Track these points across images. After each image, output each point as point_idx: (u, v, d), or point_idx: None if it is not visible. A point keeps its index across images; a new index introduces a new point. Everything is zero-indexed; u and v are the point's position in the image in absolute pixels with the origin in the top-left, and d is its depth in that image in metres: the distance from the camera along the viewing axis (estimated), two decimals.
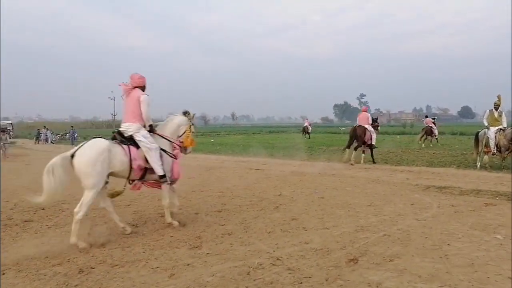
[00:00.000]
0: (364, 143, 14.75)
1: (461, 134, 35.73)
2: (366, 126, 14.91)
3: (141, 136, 5.84)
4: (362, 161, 14.64)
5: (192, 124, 6.73)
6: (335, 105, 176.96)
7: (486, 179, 10.38)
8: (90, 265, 4.55)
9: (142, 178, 5.99)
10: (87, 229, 5.71)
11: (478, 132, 13.24)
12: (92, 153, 5.30)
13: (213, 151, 21.67)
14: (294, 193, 8.96)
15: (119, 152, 5.62)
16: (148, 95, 6.07)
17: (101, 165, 5.32)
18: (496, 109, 12.61)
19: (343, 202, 7.83)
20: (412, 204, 7.51)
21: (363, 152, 14.95)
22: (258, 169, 13.43)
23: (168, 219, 6.28)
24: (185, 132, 6.57)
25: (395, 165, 13.76)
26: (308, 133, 35.43)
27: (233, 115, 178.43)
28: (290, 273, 4.15)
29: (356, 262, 4.41)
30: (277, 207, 7.54)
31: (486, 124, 12.69)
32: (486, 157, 12.68)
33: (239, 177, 11.66)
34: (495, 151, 12.31)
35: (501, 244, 5.03)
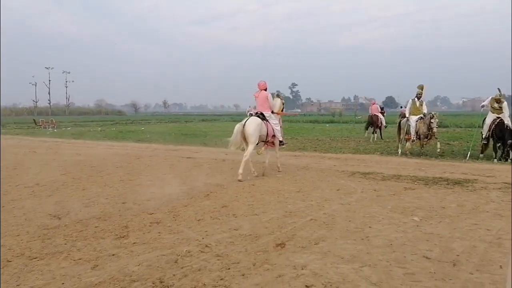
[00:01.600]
0: (377, 126, 19.77)
1: (386, 123, 37.69)
2: (378, 114, 20.13)
3: (271, 117, 9.87)
4: (371, 140, 18.88)
5: (284, 103, 10.89)
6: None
7: (406, 165, 11.05)
8: (7, 258, 4.24)
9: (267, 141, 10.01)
10: (248, 169, 9.63)
11: (400, 121, 14.05)
12: (254, 124, 9.33)
13: (144, 140, 21.08)
14: (225, 180, 8.96)
15: (264, 125, 9.59)
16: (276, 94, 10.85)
17: (259, 131, 9.36)
18: (418, 98, 13.30)
19: (273, 189, 7.96)
20: (338, 190, 7.81)
21: (374, 132, 19.61)
22: (189, 158, 13.27)
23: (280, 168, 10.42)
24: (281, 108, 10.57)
25: (324, 153, 14.24)
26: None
27: (165, 103, 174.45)
28: (218, 260, 4.14)
29: (283, 247, 4.51)
30: (208, 195, 7.50)
31: (408, 113, 13.40)
32: (408, 144, 13.42)
33: (170, 166, 11.45)
34: (414, 138, 13.01)
35: (417, 225, 5.37)
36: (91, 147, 17.48)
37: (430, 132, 12.82)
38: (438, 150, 12.96)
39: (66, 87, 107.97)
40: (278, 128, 10.02)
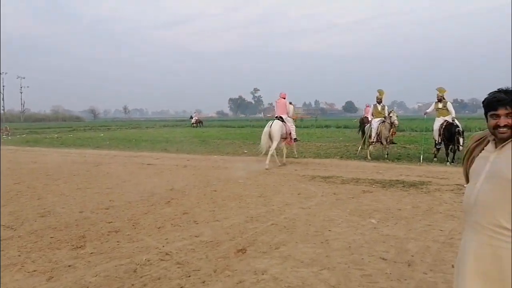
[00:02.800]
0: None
1: (345, 127, 38.56)
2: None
3: (288, 120, 12.50)
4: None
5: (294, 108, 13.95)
6: (230, 99, 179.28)
7: (365, 169, 11.33)
8: None
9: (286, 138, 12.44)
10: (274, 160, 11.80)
11: (364, 126, 14.42)
12: (278, 126, 11.88)
13: (103, 146, 20.55)
14: (186, 187, 8.88)
15: (284, 126, 12.08)
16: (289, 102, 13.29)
17: (281, 131, 11.83)
18: (379, 103, 13.77)
19: (234, 194, 7.96)
20: (299, 194, 7.91)
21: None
22: (150, 164, 13.06)
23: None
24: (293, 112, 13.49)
25: (285, 157, 14.35)
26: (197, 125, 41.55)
27: (125, 108, 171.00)
28: (178, 267, 4.11)
29: (244, 252, 4.52)
30: (169, 201, 7.42)
31: (371, 118, 13.87)
32: (370, 147, 13.79)
33: (130, 173, 11.23)
34: (375, 140, 13.39)
35: (375, 227, 5.53)
36: (47, 155, 16.87)
37: (390, 134, 13.18)
38: (386, 155, 13.45)
39: (21, 92, 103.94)
40: (293, 128, 12.81)
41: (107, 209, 6.88)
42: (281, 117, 12.33)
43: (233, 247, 4.71)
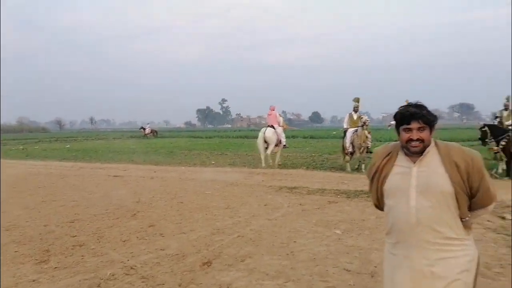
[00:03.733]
0: None
1: (311, 137, 38.98)
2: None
3: (278, 129, 14.04)
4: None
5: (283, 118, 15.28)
6: (198, 110, 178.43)
7: (330, 179, 11.53)
8: None
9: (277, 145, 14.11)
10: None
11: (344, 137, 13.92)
12: (271, 132, 13.78)
13: (69, 158, 20.04)
14: (153, 199, 8.81)
15: (276, 133, 13.72)
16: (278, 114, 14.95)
17: (274, 137, 13.62)
18: (356, 111, 13.50)
19: (201, 206, 7.96)
20: (265, 205, 7.99)
21: None
22: (117, 176, 12.85)
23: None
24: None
25: (253, 168, 14.44)
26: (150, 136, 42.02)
27: (91, 119, 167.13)
28: (143, 282, 4.09)
29: (210, 265, 4.55)
30: (135, 214, 7.34)
31: (346, 126, 13.59)
32: (347, 157, 13.48)
33: (96, 185, 11.02)
34: (350, 150, 13.14)
35: (339, 238, 5.66)
36: (11, 167, 16.30)
37: (364, 144, 12.94)
38: (357, 166, 13.50)
39: None
40: (283, 135, 14.56)
41: (72, 222, 6.75)
42: (272, 126, 14.14)
43: (198, 260, 4.72)
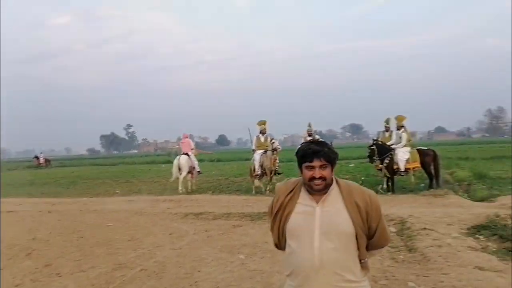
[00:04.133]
0: None
1: (218, 160, 38.94)
2: None
3: (192, 156, 14.69)
4: None
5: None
6: (102, 136, 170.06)
7: (235, 202, 11.54)
8: None
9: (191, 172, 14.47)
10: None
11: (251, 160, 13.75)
12: (185, 159, 14.08)
13: None
14: (50, 235, 8.09)
15: (190, 160, 14.29)
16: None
17: (188, 163, 14.01)
18: (263, 134, 13.52)
19: (103, 240, 7.46)
20: (170, 234, 7.73)
21: None
22: (10, 212, 11.60)
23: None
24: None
25: (158, 195, 13.99)
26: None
27: None
28: None
29: None
30: (30, 253, 6.68)
31: (254, 148, 13.55)
32: (256, 181, 13.28)
33: None
34: (259, 172, 12.98)
35: (243, 263, 5.63)
36: None
37: (273, 166, 12.96)
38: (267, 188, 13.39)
39: None
40: (197, 163, 14.82)
41: None
42: (187, 154, 14.38)
43: None
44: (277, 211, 2.17)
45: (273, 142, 13.30)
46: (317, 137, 13.16)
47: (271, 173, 13.13)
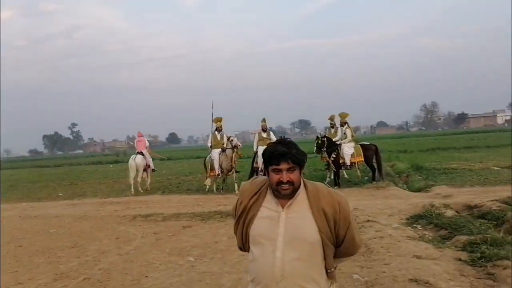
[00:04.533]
0: None
1: (168, 159, 38.22)
2: None
3: (147, 154, 15.02)
4: None
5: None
6: (45, 136, 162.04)
7: (186, 202, 11.45)
8: None
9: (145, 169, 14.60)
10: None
11: (205, 158, 13.60)
12: (140, 158, 14.04)
13: None
14: None
15: (145, 159, 14.44)
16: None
17: (143, 163, 14.12)
18: (219, 131, 13.16)
19: (43, 248, 7.14)
20: (117, 238, 7.53)
21: None
22: None
23: None
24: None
25: (105, 197, 13.58)
26: None
27: None
28: None
29: None
30: None
31: (210, 145, 13.22)
32: (208, 180, 12.98)
33: None
34: (219, 172, 12.72)
35: (192, 265, 5.59)
36: None
37: (233, 162, 12.83)
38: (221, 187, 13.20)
39: None
40: (151, 160, 14.99)
41: None
42: (141, 152, 14.47)
43: None
44: (240, 214, 2.04)
45: (232, 140, 13.09)
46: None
47: (230, 171, 12.99)
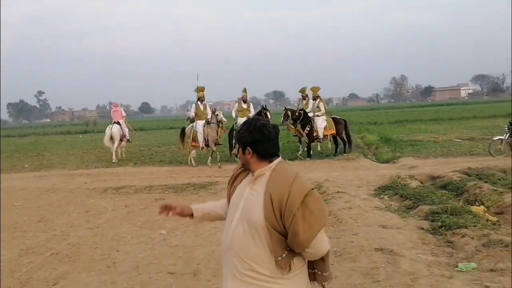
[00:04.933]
0: None
1: (141, 129, 37.55)
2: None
3: (123, 124, 15.18)
4: None
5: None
6: (10, 104, 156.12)
7: (159, 174, 11.37)
8: None
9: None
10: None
11: (184, 127, 13.26)
12: (117, 128, 14.36)
13: None
14: None
15: (121, 130, 14.76)
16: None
17: (120, 133, 14.46)
18: (202, 101, 12.63)
19: (8, 222, 6.94)
20: (86, 212, 7.45)
21: None
22: None
23: None
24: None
25: (74, 169, 13.33)
26: None
27: None
28: None
29: None
30: None
31: (192, 116, 12.87)
32: (193, 151, 12.71)
33: None
34: (203, 145, 12.35)
35: (164, 239, 5.60)
36: None
37: (218, 136, 12.43)
38: (217, 163, 12.40)
39: None
40: (127, 130, 15.18)
41: None
42: (118, 122, 14.76)
43: None
44: (230, 180, 2.13)
45: (217, 114, 12.53)
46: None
47: (215, 145, 12.52)
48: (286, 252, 1.91)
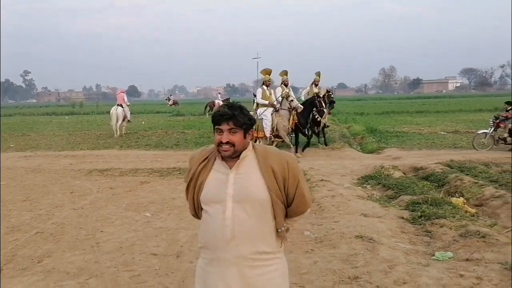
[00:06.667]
0: None
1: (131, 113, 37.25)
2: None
3: (126, 107, 17.42)
4: None
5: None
6: None
7: (144, 158, 11.37)
8: None
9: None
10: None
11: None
12: (120, 109, 16.73)
13: None
14: None
15: (123, 111, 16.93)
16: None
17: (122, 114, 16.83)
18: (268, 86, 11.38)
19: None
20: (71, 192, 7.46)
21: None
22: None
23: None
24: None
25: (59, 150, 13.25)
26: None
27: None
28: None
29: None
30: None
31: (259, 102, 11.16)
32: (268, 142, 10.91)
33: None
34: (271, 134, 10.86)
35: (148, 221, 5.65)
36: None
37: (290, 127, 10.88)
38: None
39: None
40: (129, 113, 17.41)
41: None
42: (121, 105, 16.90)
43: None
44: (190, 180, 2.06)
45: (292, 100, 10.75)
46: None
47: (288, 134, 10.96)
48: (285, 221, 2.07)
